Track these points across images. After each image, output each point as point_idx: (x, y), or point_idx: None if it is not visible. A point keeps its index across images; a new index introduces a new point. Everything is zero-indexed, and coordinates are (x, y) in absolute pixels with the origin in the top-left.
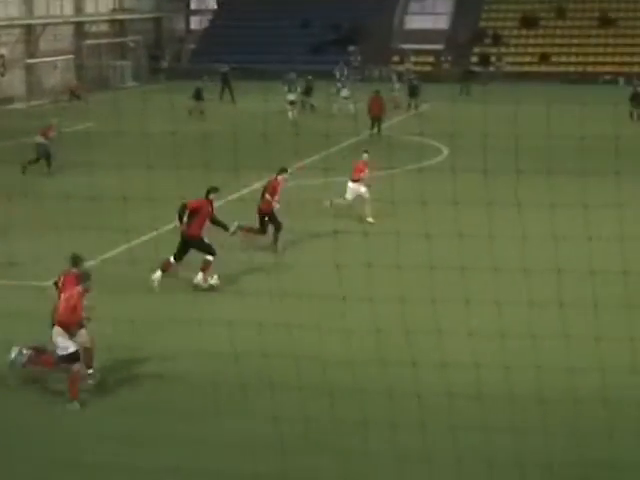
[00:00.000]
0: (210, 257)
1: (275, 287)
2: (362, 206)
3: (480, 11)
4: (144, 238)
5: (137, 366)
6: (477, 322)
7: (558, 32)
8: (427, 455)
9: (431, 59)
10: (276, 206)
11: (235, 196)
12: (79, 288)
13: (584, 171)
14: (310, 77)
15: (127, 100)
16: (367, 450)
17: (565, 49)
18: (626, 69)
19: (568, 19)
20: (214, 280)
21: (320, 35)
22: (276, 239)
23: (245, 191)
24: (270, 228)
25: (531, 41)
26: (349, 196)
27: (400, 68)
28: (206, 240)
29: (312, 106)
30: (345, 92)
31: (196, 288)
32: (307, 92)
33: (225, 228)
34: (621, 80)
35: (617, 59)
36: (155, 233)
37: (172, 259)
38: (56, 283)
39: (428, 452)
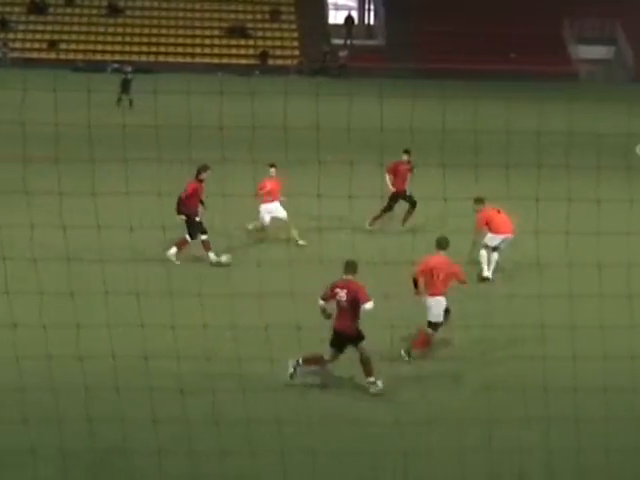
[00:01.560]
0: (188, 237)
1: None
2: (286, 229)
3: None
4: None
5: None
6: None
7: (67, 19)
8: None
9: None
10: (391, 188)
11: None
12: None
13: (126, 159)
14: None
15: None
16: None
17: (74, 36)
18: (134, 58)
19: (77, 7)
20: (224, 258)
21: None
22: (407, 216)
23: None
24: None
25: (40, 27)
26: (266, 219)
27: None
28: (198, 220)
29: None
30: None
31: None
32: None
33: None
34: (129, 69)
35: (126, 48)
36: None
37: (188, 237)
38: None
39: None
